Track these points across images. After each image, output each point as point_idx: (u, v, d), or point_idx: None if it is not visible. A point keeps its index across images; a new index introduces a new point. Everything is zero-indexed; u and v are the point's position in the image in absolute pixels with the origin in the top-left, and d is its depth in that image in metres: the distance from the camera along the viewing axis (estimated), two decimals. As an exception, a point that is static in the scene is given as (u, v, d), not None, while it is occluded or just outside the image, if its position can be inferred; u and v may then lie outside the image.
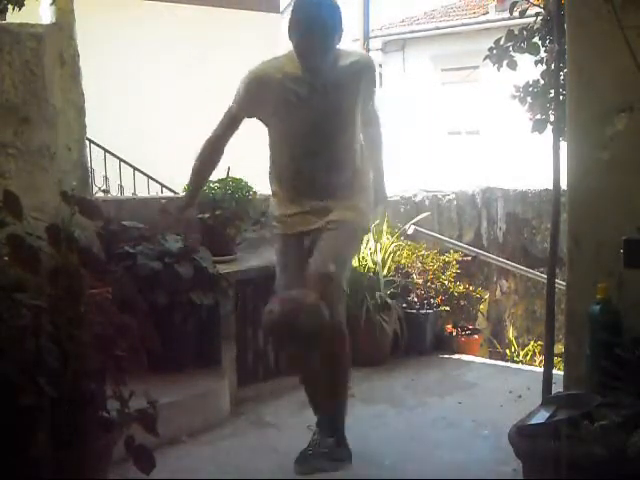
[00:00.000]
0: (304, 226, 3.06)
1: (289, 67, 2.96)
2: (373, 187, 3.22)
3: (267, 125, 3.11)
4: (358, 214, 3.09)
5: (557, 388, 2.89)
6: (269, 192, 4.51)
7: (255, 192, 4.30)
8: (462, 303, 5.06)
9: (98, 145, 7.05)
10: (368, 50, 11.74)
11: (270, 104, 2.98)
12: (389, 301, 4.56)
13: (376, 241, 4.82)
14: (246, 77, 3.04)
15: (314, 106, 2.94)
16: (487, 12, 13.03)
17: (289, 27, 2.91)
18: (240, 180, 4.27)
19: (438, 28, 13.86)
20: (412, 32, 14.35)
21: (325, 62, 2.91)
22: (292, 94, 2.93)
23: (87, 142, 3.79)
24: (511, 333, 5.72)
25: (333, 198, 3.04)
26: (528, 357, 5.36)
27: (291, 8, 2.95)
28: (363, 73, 3.01)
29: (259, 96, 3.00)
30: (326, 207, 3.04)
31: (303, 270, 2.95)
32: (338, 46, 2.96)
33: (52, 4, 3.42)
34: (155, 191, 7.62)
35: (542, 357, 4.56)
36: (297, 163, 3.04)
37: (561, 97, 3.07)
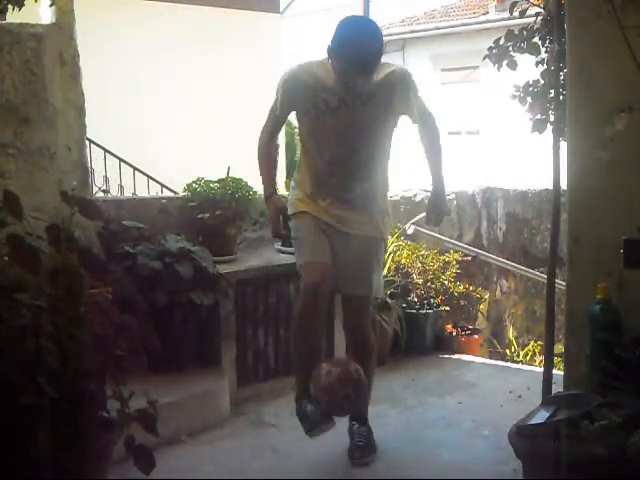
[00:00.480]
0: (334, 222, 3.13)
1: (323, 75, 3.00)
2: (431, 200, 3.27)
3: (299, 121, 3.19)
4: (381, 227, 3.22)
5: (557, 388, 2.89)
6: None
7: (255, 192, 4.30)
8: (462, 303, 5.06)
9: (98, 145, 7.05)
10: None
11: (302, 105, 3.06)
12: (389, 301, 4.56)
13: (376, 241, 4.82)
14: (282, 78, 3.11)
15: (342, 117, 3.00)
16: (487, 12, 13.03)
17: (335, 49, 2.90)
18: (240, 180, 4.27)
19: (438, 28, 13.85)
20: (412, 32, 14.35)
21: (363, 88, 2.96)
22: (322, 102, 3.00)
23: (87, 142, 3.78)
24: (511, 333, 5.72)
25: (358, 208, 3.14)
26: (528, 357, 5.36)
27: (338, 30, 2.93)
28: (397, 88, 3.01)
29: (293, 96, 3.07)
30: (353, 215, 3.13)
31: (327, 249, 3.10)
32: None
33: (51, 5, 3.42)
34: (155, 191, 7.62)
35: (542, 357, 4.56)
36: (323, 166, 3.11)
37: (561, 97, 3.07)
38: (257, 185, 4.34)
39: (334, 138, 3.04)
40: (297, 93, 3.04)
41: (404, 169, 13.27)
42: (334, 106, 2.99)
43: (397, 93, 3.02)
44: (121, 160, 7.76)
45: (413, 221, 5.25)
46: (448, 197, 5.64)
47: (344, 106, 2.98)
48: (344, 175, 3.09)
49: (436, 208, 3.23)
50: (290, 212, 3.18)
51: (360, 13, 11.84)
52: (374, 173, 3.14)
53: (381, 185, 3.22)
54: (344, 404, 2.97)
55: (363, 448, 3.18)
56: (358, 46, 2.85)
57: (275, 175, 3.28)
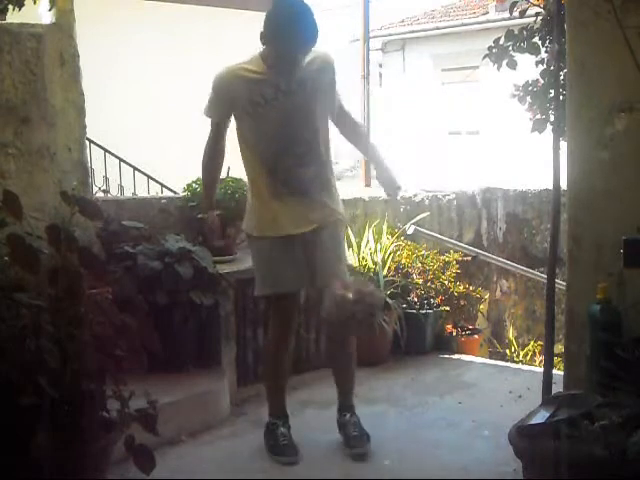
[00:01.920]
0: (293, 229, 3.11)
1: (253, 69, 3.04)
2: (382, 178, 3.28)
3: (238, 124, 3.16)
4: (340, 208, 3.23)
5: (557, 388, 2.89)
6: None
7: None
8: (462, 303, 5.06)
9: (98, 145, 7.04)
10: (368, 50, 11.77)
11: (239, 104, 3.06)
12: (389, 301, 4.56)
13: (376, 241, 4.82)
14: (213, 82, 3.12)
15: (281, 105, 3.01)
16: (487, 12, 13.03)
17: (278, 30, 2.92)
18: (240, 180, 4.27)
19: (438, 28, 13.84)
20: (412, 32, 14.34)
21: (301, 63, 3.00)
22: (258, 95, 3.01)
23: (87, 142, 3.78)
24: (511, 333, 5.72)
25: (312, 193, 3.12)
26: (528, 357, 5.36)
27: (272, 13, 2.96)
28: (325, 70, 3.09)
29: (226, 98, 3.09)
30: (309, 203, 3.12)
31: (298, 265, 3.11)
32: None
33: (50, 9, 3.42)
34: (155, 191, 7.61)
35: (542, 357, 4.56)
36: (272, 160, 3.09)
37: (561, 97, 3.07)
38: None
39: (277, 127, 3.03)
40: (232, 92, 3.05)
41: (404, 169, 13.29)
42: (271, 96, 3.00)
43: (325, 75, 3.09)
44: (121, 160, 7.75)
45: (413, 221, 5.26)
46: (447, 197, 5.70)
47: (280, 94, 3.00)
48: (294, 162, 3.07)
49: (387, 180, 3.26)
50: (248, 233, 3.25)
51: (360, 13, 11.86)
52: (321, 155, 3.13)
53: (329, 166, 3.21)
54: (351, 322, 2.94)
55: (359, 438, 3.19)
56: (303, 18, 2.90)
57: (216, 187, 3.34)
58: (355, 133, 3.31)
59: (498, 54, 3.56)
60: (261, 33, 2.97)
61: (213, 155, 3.28)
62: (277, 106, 3.01)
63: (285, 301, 3.19)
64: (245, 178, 4.28)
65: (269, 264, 3.16)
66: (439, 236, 5.44)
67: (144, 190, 7.52)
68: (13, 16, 3.29)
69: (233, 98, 3.06)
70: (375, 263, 4.69)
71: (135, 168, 7.77)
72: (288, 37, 2.90)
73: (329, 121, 3.18)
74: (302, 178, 3.09)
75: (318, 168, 3.13)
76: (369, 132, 11.12)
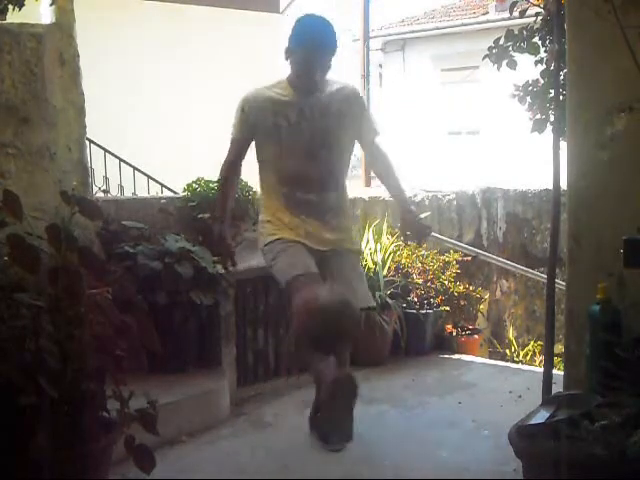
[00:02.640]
0: (310, 243, 3.11)
1: (279, 92, 3.12)
2: (409, 224, 3.16)
3: (258, 149, 3.20)
4: (356, 239, 3.30)
5: (557, 388, 2.89)
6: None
7: (255, 192, 4.30)
8: (462, 303, 5.06)
9: (98, 145, 7.04)
10: (368, 50, 11.75)
11: (262, 126, 3.11)
12: (389, 301, 4.56)
13: (376, 241, 4.82)
14: (239, 102, 3.18)
15: (304, 129, 3.07)
16: (487, 12, 13.03)
17: (292, 45, 3.05)
18: (240, 180, 4.27)
19: (438, 28, 13.85)
20: (412, 32, 14.34)
21: (319, 83, 3.08)
22: (282, 119, 3.07)
23: (87, 142, 3.78)
24: (511, 333, 5.72)
25: (328, 218, 3.14)
26: (528, 357, 5.36)
27: (293, 30, 3.07)
28: (350, 101, 3.15)
29: (252, 119, 3.13)
30: (324, 226, 3.13)
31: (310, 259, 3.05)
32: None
33: (52, 4, 3.42)
34: (155, 191, 7.61)
35: (542, 357, 4.56)
36: (291, 185, 3.11)
37: (561, 97, 3.07)
38: (257, 185, 4.35)
39: (299, 150, 3.07)
40: (257, 114, 3.11)
41: (404, 169, 13.25)
42: (294, 120, 3.07)
43: (351, 106, 3.15)
44: (121, 160, 7.75)
45: (413, 221, 5.25)
46: (448, 197, 5.70)
47: (304, 118, 3.07)
48: (313, 188, 3.11)
49: (415, 226, 3.13)
50: (264, 243, 3.15)
51: (360, 13, 11.85)
52: (340, 183, 3.18)
53: (346, 195, 3.28)
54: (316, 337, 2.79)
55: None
56: (317, 27, 3.05)
57: (231, 206, 3.25)
58: (386, 173, 3.24)
59: (498, 54, 3.56)
60: (284, 49, 3.08)
61: (232, 172, 3.27)
62: (300, 130, 3.07)
63: (309, 279, 2.94)
64: (245, 178, 4.31)
65: (288, 255, 3.05)
66: (439, 236, 5.44)
67: (144, 190, 7.52)
68: (13, 16, 3.29)
69: (257, 119, 3.11)
70: (375, 263, 4.69)
71: (135, 168, 7.77)
72: (302, 46, 3.01)
73: (350, 151, 3.23)
74: (319, 202, 3.11)
75: (336, 195, 3.16)
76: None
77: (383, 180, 3.30)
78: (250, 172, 4.44)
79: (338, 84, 3.17)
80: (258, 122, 3.12)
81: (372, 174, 12.32)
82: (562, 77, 3.06)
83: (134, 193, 7.05)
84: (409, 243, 3.85)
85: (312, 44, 3.01)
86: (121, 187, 7.64)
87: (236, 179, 3.35)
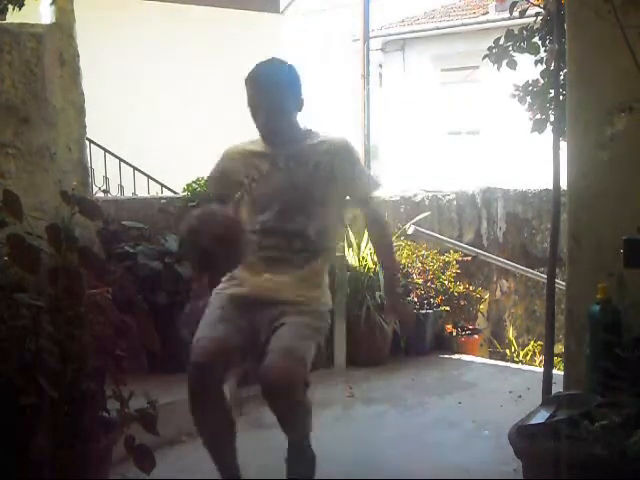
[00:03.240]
0: (253, 292, 2.73)
1: (255, 145, 2.85)
2: (393, 307, 2.90)
3: (234, 205, 2.87)
4: (322, 302, 2.79)
5: (557, 388, 2.89)
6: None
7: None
8: (462, 303, 5.07)
9: (98, 145, 7.04)
10: (368, 50, 11.75)
11: (234, 180, 2.84)
12: (389, 301, 4.56)
13: (376, 241, 4.82)
14: (218, 158, 2.94)
15: (275, 181, 2.76)
16: (487, 12, 13.02)
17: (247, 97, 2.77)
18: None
19: (438, 28, 13.83)
20: (412, 32, 14.33)
21: (282, 128, 2.77)
22: (254, 169, 2.80)
23: (87, 142, 3.78)
24: (511, 333, 5.72)
25: (290, 277, 2.73)
26: (528, 357, 5.36)
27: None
28: (337, 154, 2.77)
29: (224, 173, 2.90)
30: (281, 283, 2.72)
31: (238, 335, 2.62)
32: (313, 128, 2.87)
33: (52, 4, 3.42)
34: (155, 191, 7.61)
35: (542, 357, 4.56)
36: (257, 238, 2.74)
37: (561, 97, 3.07)
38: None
39: (268, 202, 2.74)
40: (230, 167, 2.87)
41: (404, 169, 13.31)
42: (266, 170, 2.78)
43: (337, 160, 2.76)
44: (121, 160, 7.75)
45: (413, 221, 5.26)
46: (447, 197, 5.70)
47: (277, 169, 2.77)
48: (278, 244, 2.73)
49: (398, 309, 2.90)
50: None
51: (360, 13, 11.84)
52: (312, 241, 2.73)
53: (324, 258, 2.80)
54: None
55: None
56: (258, 70, 2.77)
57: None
58: (379, 243, 2.92)
59: (498, 54, 3.56)
60: None
61: None
62: (270, 182, 2.76)
63: (200, 350, 2.53)
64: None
65: (207, 315, 2.71)
66: (439, 236, 5.44)
67: (144, 190, 7.52)
68: (13, 16, 3.29)
69: (230, 171, 2.86)
70: (375, 263, 4.69)
71: (135, 168, 7.77)
72: (247, 88, 2.74)
73: (336, 210, 2.84)
74: (283, 259, 2.73)
75: (306, 255, 2.73)
76: (369, 135, 11.08)
77: (375, 248, 3.02)
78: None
79: (324, 136, 2.83)
80: (231, 175, 2.85)
81: (372, 173, 12.34)
82: (562, 77, 3.06)
83: (134, 193, 7.05)
84: (388, 322, 3.55)
85: (254, 84, 2.73)
86: (121, 187, 7.64)
87: None
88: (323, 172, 2.74)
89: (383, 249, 2.89)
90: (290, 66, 2.84)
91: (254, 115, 2.75)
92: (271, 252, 2.73)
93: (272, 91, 2.72)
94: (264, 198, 2.76)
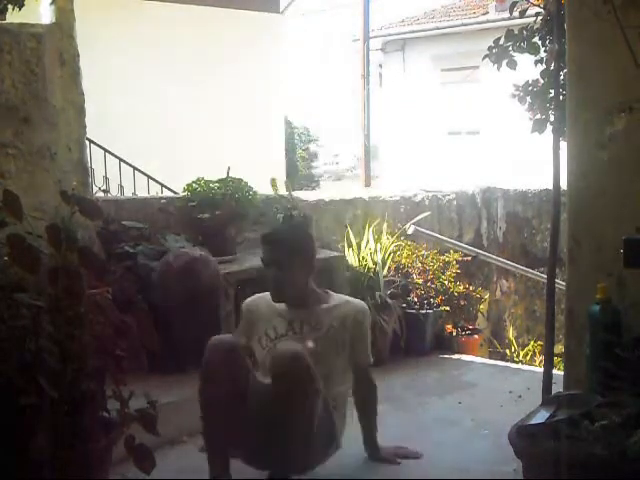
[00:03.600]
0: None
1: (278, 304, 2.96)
2: (366, 444, 3.08)
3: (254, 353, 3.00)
4: None
5: (557, 388, 2.89)
6: (269, 192, 4.54)
7: (255, 192, 4.30)
8: (462, 303, 5.06)
9: (98, 145, 7.05)
10: (368, 50, 11.74)
11: (255, 333, 2.97)
12: (389, 301, 4.56)
13: (376, 241, 4.82)
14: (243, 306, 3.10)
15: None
16: (487, 12, 13.02)
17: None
18: (240, 180, 4.28)
19: (438, 28, 13.84)
20: (412, 32, 14.33)
21: (291, 292, 2.89)
22: (271, 329, 2.92)
23: (87, 142, 3.79)
24: (511, 333, 5.72)
25: None
26: (528, 357, 5.36)
27: None
28: (349, 317, 2.91)
29: (248, 322, 3.03)
30: None
31: None
32: (329, 290, 3.02)
33: (52, 3, 3.42)
34: (155, 191, 7.62)
35: (542, 357, 4.56)
36: None
37: (561, 97, 3.07)
38: (257, 185, 4.36)
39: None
40: (252, 319, 3.00)
41: (404, 169, 13.30)
42: (282, 332, 2.90)
43: (350, 323, 2.91)
44: (121, 160, 7.76)
45: (413, 221, 5.26)
46: (447, 197, 5.69)
47: (291, 333, 2.88)
48: None
49: (380, 460, 3.06)
50: None
51: (360, 13, 11.85)
52: (326, 405, 2.77)
53: (337, 421, 2.87)
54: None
55: None
56: (275, 229, 3.18)
57: None
58: (363, 409, 3.06)
59: (498, 54, 3.56)
60: None
61: None
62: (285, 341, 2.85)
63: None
64: (245, 178, 4.32)
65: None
66: (439, 236, 5.44)
67: (144, 190, 7.52)
68: (13, 16, 3.29)
69: (252, 323, 3.00)
70: (375, 263, 4.69)
71: (135, 168, 7.77)
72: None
73: (345, 374, 2.94)
74: None
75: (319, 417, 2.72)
76: (369, 135, 11.06)
77: (358, 412, 3.07)
78: (250, 172, 4.46)
79: (342, 299, 2.99)
80: (251, 328, 2.99)
81: (372, 173, 12.35)
82: (562, 77, 3.06)
83: (134, 193, 7.06)
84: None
85: (265, 245, 2.91)
86: (121, 187, 7.65)
87: None
88: (336, 337, 2.86)
89: (367, 419, 3.04)
90: (305, 232, 3.11)
91: (267, 274, 2.91)
92: None
93: (279, 252, 2.86)
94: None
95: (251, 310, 3.04)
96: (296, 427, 2.60)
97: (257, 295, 3.06)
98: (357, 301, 3.03)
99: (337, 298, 3.00)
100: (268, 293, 2.98)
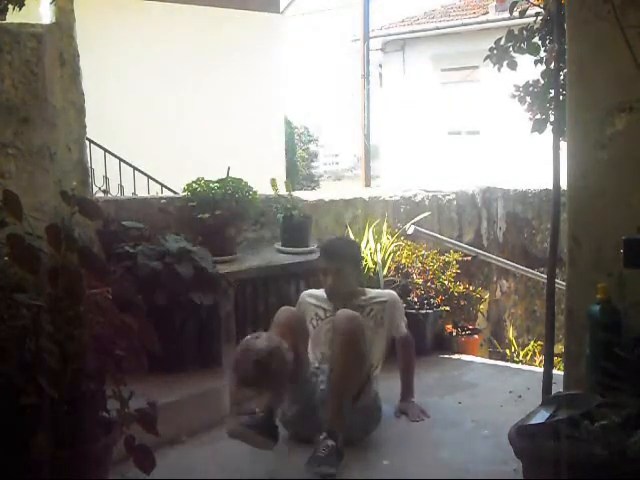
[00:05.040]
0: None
1: (320, 293, 3.63)
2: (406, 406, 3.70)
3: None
4: None
5: (557, 388, 2.89)
6: (269, 192, 4.55)
7: (255, 192, 4.30)
8: (462, 303, 5.06)
9: (98, 145, 7.05)
10: (368, 50, 11.75)
11: (308, 315, 3.56)
12: (389, 301, 4.56)
13: (376, 241, 4.82)
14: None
15: (330, 326, 3.37)
16: (487, 12, 13.03)
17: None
18: (240, 180, 4.28)
19: (438, 28, 13.85)
20: (412, 32, 14.34)
21: (341, 287, 3.53)
22: (315, 316, 3.57)
23: (87, 142, 3.79)
24: (511, 333, 5.72)
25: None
26: (528, 357, 5.35)
27: None
28: (388, 304, 3.64)
29: (304, 305, 3.64)
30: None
31: None
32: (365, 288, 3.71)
33: (52, 3, 3.42)
34: (155, 191, 7.62)
35: (542, 357, 4.56)
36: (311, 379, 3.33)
37: (561, 97, 3.07)
38: (257, 185, 4.36)
39: (325, 342, 3.44)
40: (307, 303, 3.64)
41: (404, 169, 13.31)
42: (325, 317, 3.54)
43: (388, 309, 3.63)
44: (121, 160, 7.76)
45: (413, 221, 5.26)
46: (447, 197, 5.70)
47: (331, 316, 3.44)
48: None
49: (410, 410, 3.66)
50: None
51: (360, 13, 11.86)
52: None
53: (369, 386, 3.36)
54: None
55: (321, 459, 2.98)
56: (330, 240, 3.86)
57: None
58: (405, 370, 3.77)
59: (499, 55, 3.56)
60: None
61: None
62: (328, 325, 3.46)
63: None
64: (245, 178, 4.32)
65: None
66: (439, 236, 5.44)
67: (144, 190, 7.53)
68: (13, 16, 3.29)
69: (306, 307, 3.63)
70: (375, 263, 4.69)
71: (135, 168, 7.78)
72: (320, 261, 3.67)
73: (379, 348, 3.56)
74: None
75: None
76: (369, 135, 11.08)
77: (401, 370, 3.76)
78: (250, 172, 4.46)
79: (379, 291, 3.80)
80: (306, 310, 3.60)
81: (372, 173, 12.36)
82: (562, 77, 3.06)
83: (134, 193, 7.06)
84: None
85: (324, 255, 3.62)
86: (121, 187, 7.65)
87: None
88: (375, 320, 3.58)
89: (407, 368, 3.76)
90: (356, 243, 4.03)
91: (324, 279, 3.57)
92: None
93: (333, 259, 3.55)
94: (323, 337, 3.49)
95: (305, 300, 3.67)
96: (355, 371, 3.17)
97: (312, 289, 3.78)
98: (388, 290, 3.90)
99: (373, 291, 3.73)
100: (321, 289, 3.63)
